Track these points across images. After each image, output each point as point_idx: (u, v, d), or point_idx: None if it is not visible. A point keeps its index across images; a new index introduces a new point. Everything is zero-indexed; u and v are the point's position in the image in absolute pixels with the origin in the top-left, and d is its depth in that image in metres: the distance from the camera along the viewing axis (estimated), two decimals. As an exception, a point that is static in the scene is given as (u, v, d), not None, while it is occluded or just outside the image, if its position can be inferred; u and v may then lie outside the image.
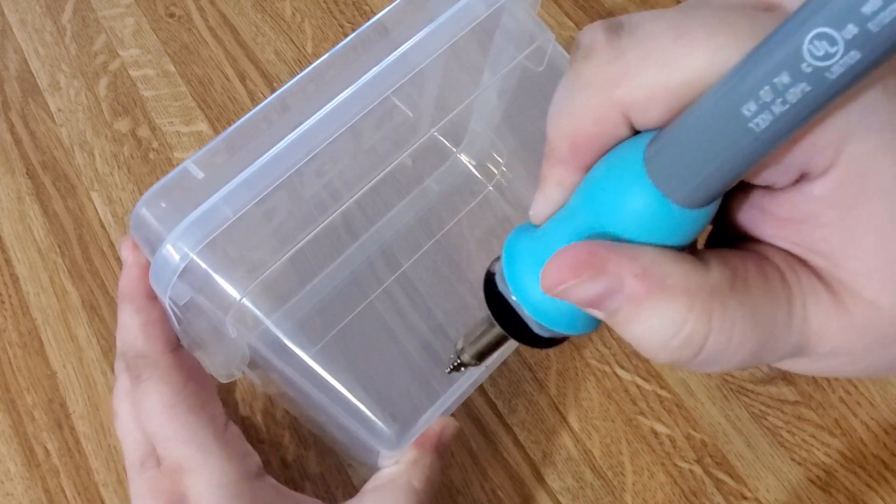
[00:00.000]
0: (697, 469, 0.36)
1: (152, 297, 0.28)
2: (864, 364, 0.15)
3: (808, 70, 0.12)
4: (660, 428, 0.37)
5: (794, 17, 0.13)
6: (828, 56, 0.12)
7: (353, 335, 0.34)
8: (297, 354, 0.27)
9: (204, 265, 0.25)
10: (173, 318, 0.27)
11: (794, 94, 0.13)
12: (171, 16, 0.50)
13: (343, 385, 0.27)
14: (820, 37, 0.12)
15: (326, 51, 0.48)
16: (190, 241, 0.24)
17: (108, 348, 0.39)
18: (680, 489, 0.35)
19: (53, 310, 0.41)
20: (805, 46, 0.12)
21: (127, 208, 0.43)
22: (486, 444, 0.37)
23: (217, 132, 0.45)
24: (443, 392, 0.29)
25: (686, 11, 0.14)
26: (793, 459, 0.36)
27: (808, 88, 0.13)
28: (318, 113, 0.26)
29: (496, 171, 0.37)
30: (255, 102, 0.46)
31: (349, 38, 0.29)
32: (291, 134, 0.26)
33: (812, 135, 0.14)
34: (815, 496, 0.35)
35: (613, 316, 0.16)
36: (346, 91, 0.26)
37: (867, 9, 0.11)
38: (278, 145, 0.26)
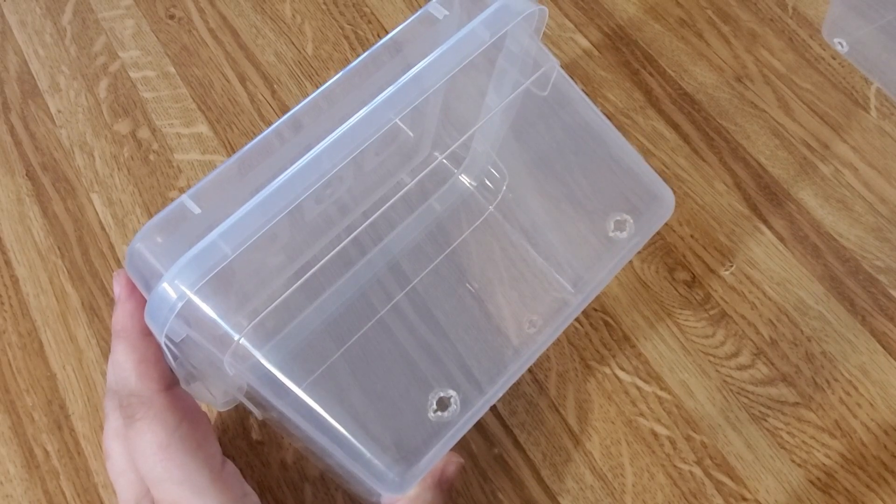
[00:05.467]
0: (697, 470, 0.36)
1: (147, 333, 0.28)
2: None
3: None
4: (660, 429, 0.37)
5: None
6: None
7: (351, 366, 0.33)
8: (290, 389, 0.26)
9: (201, 304, 0.24)
10: (169, 355, 0.27)
11: None
12: (172, 17, 0.50)
13: (341, 423, 0.26)
14: None
15: (327, 52, 0.48)
16: (187, 280, 0.24)
17: (108, 350, 0.39)
18: (680, 491, 0.35)
19: (53, 311, 0.41)
20: None
21: (127, 210, 0.43)
22: (486, 446, 0.37)
23: (217, 134, 0.45)
24: (446, 429, 0.28)
25: None
26: (793, 461, 0.36)
27: None
28: (319, 145, 0.26)
29: (498, 193, 0.37)
30: (255, 104, 0.46)
31: (357, 61, 0.29)
32: (292, 167, 0.25)
33: None
34: (816, 498, 0.35)
35: None
36: (347, 123, 0.26)
37: None
38: (278, 179, 0.25)
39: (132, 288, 0.28)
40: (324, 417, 0.26)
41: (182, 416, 0.27)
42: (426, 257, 0.35)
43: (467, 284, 0.35)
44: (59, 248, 0.42)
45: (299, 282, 0.28)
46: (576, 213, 0.35)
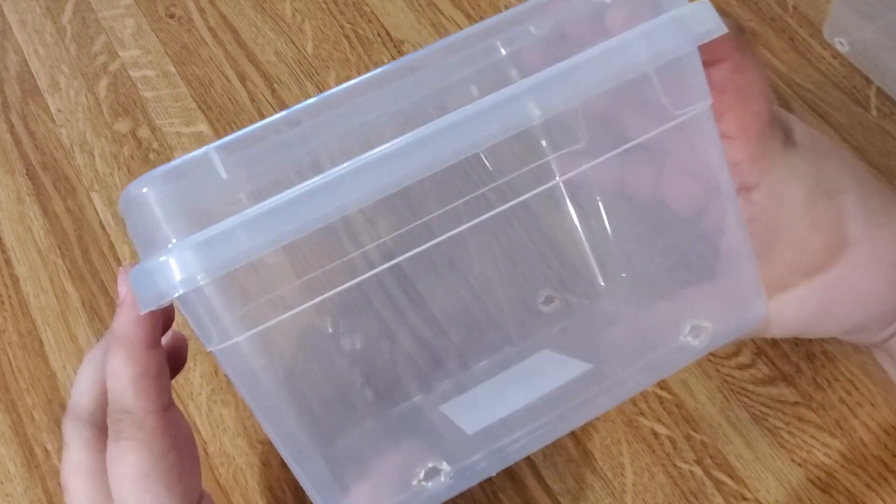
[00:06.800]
0: (697, 470, 0.36)
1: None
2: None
3: None
4: (660, 429, 0.37)
5: None
6: None
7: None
8: (261, 380, 0.23)
9: (201, 297, 0.21)
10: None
11: None
12: (172, 16, 0.50)
13: (294, 451, 0.24)
14: None
15: (327, 51, 0.48)
16: (197, 265, 0.20)
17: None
18: (680, 490, 0.35)
19: (53, 310, 0.41)
20: None
21: (127, 209, 0.43)
22: (487, 445, 0.37)
23: (217, 133, 0.45)
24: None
25: None
26: (793, 460, 0.36)
27: None
28: (400, 143, 0.20)
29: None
30: (255, 103, 0.46)
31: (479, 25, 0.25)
32: (375, 153, 0.20)
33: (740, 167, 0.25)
34: (816, 497, 0.35)
35: None
36: (445, 120, 0.20)
37: None
38: (339, 172, 0.20)
39: None
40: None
41: (171, 444, 0.26)
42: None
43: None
44: (59, 248, 0.42)
45: (316, 299, 0.24)
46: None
